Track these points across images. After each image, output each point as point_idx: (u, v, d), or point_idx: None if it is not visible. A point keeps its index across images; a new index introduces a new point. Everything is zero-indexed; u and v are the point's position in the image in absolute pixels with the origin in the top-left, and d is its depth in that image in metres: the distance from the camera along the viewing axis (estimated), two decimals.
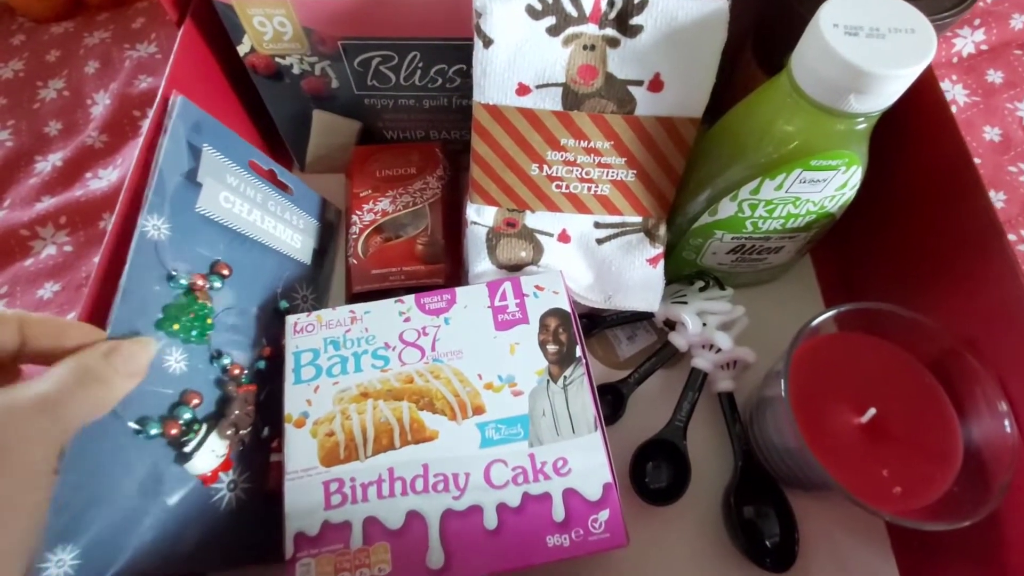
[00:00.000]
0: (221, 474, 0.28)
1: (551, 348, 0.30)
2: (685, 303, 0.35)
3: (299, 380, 0.29)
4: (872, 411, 0.28)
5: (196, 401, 0.27)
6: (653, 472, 0.34)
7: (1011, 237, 0.39)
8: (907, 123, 0.32)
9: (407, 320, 0.31)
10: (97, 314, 0.26)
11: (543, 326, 0.31)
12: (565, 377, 0.29)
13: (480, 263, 0.34)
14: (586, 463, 0.27)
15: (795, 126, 0.26)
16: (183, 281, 0.28)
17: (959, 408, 0.29)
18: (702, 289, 0.36)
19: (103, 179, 0.44)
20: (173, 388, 0.27)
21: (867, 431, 0.28)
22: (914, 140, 0.33)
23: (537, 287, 0.32)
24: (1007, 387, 0.27)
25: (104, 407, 0.22)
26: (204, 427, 0.28)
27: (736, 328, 0.35)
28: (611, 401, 0.36)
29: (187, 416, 0.27)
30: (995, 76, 0.48)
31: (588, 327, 0.38)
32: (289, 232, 0.35)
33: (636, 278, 0.35)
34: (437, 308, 0.31)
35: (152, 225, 0.27)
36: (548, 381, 0.29)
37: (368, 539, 0.26)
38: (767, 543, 0.31)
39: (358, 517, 0.26)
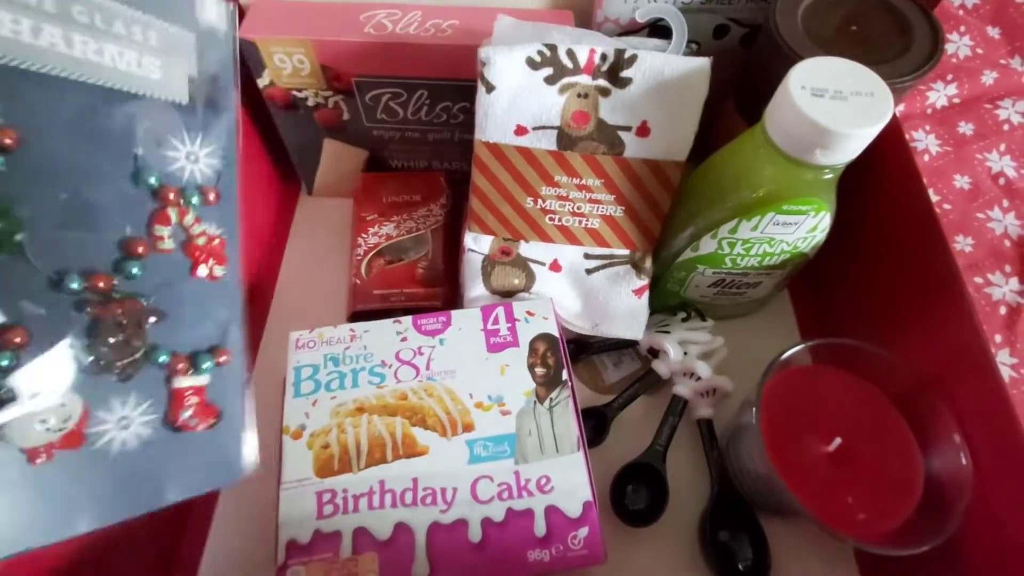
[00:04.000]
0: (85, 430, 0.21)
1: (539, 371, 0.32)
2: (668, 332, 0.37)
3: (298, 394, 0.31)
4: (838, 440, 0.29)
5: (18, 339, 0.19)
6: (633, 494, 0.35)
7: (977, 280, 0.42)
8: (874, 172, 0.34)
9: (404, 340, 0.33)
10: None
11: (532, 350, 0.33)
12: (551, 399, 0.31)
13: (475, 288, 0.36)
14: (568, 481, 0.29)
15: (768, 174, 0.29)
16: None
17: (921, 440, 0.30)
18: (684, 320, 0.38)
19: None
20: None
21: (834, 460, 0.30)
22: (880, 188, 0.35)
23: (528, 312, 0.34)
24: (963, 421, 0.29)
25: None
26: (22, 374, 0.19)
27: (715, 357, 0.37)
28: (595, 424, 0.37)
29: (3, 363, 0.19)
30: (966, 128, 0.51)
31: (576, 352, 0.40)
32: (132, 56, 0.23)
33: (622, 307, 0.37)
34: (433, 329, 0.33)
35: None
36: (535, 402, 0.31)
37: (357, 548, 0.27)
38: (740, 566, 0.33)
39: (348, 527, 0.28)
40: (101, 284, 0.22)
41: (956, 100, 0.53)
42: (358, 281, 0.38)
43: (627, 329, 0.36)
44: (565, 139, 0.32)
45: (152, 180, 0.24)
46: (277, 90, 0.37)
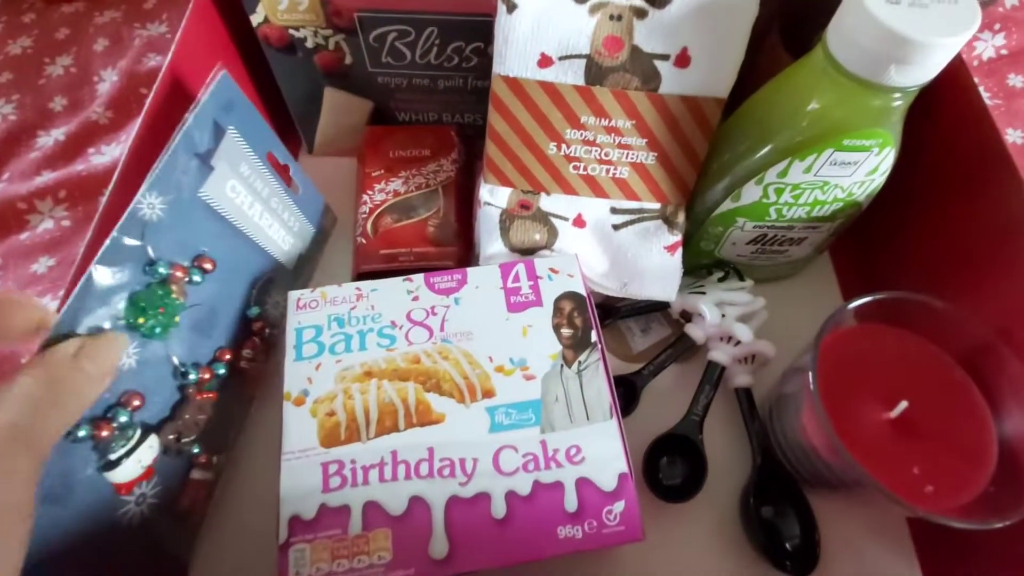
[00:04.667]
0: (136, 486, 0.26)
1: (565, 332, 0.29)
2: (703, 294, 0.34)
3: (300, 357, 0.28)
4: (904, 404, 0.26)
5: (137, 403, 0.24)
6: (667, 468, 0.32)
7: None
8: (937, 108, 0.31)
9: (415, 299, 0.30)
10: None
11: (557, 309, 0.29)
12: (580, 362, 0.28)
13: (492, 244, 0.33)
14: (601, 452, 0.26)
15: (829, 103, 0.25)
16: (162, 270, 0.25)
17: (992, 403, 0.27)
18: (721, 279, 0.35)
19: (106, 155, 0.43)
20: (115, 387, 0.24)
21: (896, 427, 0.27)
22: (941, 126, 0.32)
23: (552, 269, 0.31)
24: None
25: (75, 418, 0.20)
26: (138, 433, 0.25)
27: (755, 321, 0.34)
28: (624, 394, 0.34)
29: (123, 419, 0.24)
30: (1016, 80, 0.47)
31: (601, 317, 0.36)
32: (282, 233, 0.33)
33: (653, 266, 0.33)
34: (447, 288, 0.30)
35: (147, 203, 0.24)
36: (562, 366, 0.28)
37: (368, 525, 0.25)
38: (787, 545, 0.30)
39: (358, 501, 0.25)
40: (207, 375, 0.28)
41: (1004, 52, 0.49)
42: (363, 240, 0.35)
43: (659, 289, 0.33)
44: (594, 70, 0.28)
45: (253, 312, 0.32)
46: (272, 28, 0.34)
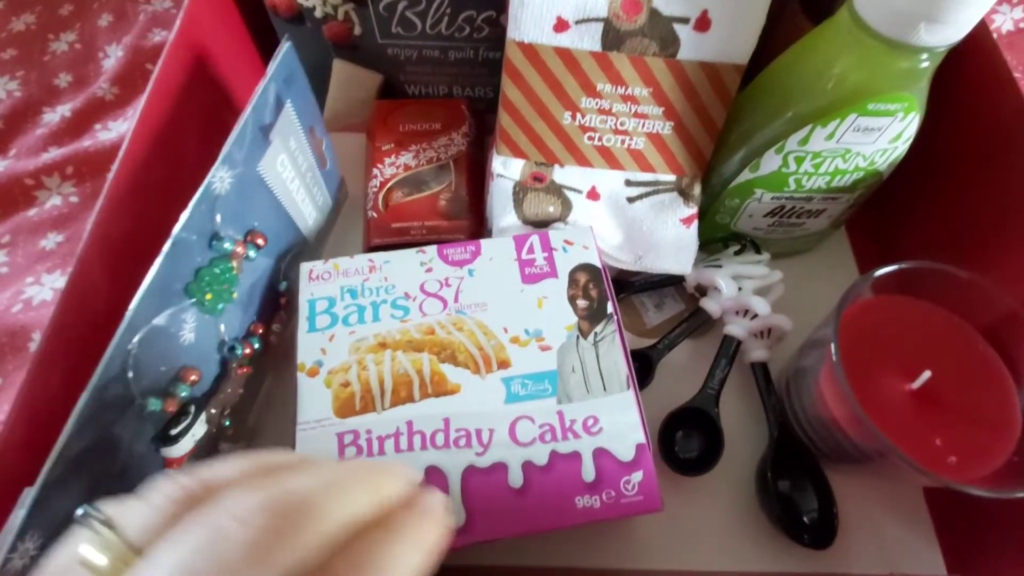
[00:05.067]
0: (185, 461, 0.25)
1: (581, 303, 0.28)
2: (719, 267, 0.34)
3: (313, 328, 0.28)
4: (927, 374, 0.26)
5: (194, 378, 0.24)
6: (683, 441, 0.32)
7: None
8: (961, 76, 0.30)
9: (429, 271, 0.29)
10: (88, 270, 0.24)
11: (572, 281, 0.29)
12: (596, 333, 0.28)
13: (506, 217, 0.32)
14: (618, 422, 0.26)
15: (854, 65, 0.25)
16: (227, 245, 0.25)
17: (1015, 374, 0.27)
18: (737, 253, 0.35)
19: (113, 131, 0.43)
20: (175, 361, 0.24)
21: (918, 398, 0.27)
22: (967, 95, 0.31)
23: (566, 241, 0.30)
24: None
25: None
26: (194, 408, 0.25)
27: (772, 294, 0.34)
28: (638, 368, 0.34)
29: (183, 394, 0.24)
30: None
31: (614, 292, 0.36)
32: (310, 208, 0.33)
33: (668, 238, 0.33)
34: (460, 259, 0.30)
35: (219, 177, 0.24)
36: (578, 337, 0.28)
37: None
38: (805, 519, 0.30)
39: None
40: (248, 350, 0.28)
41: (1023, 25, 0.48)
42: (374, 214, 0.35)
43: (674, 262, 0.33)
44: (612, 35, 0.27)
45: (283, 286, 0.31)
46: None
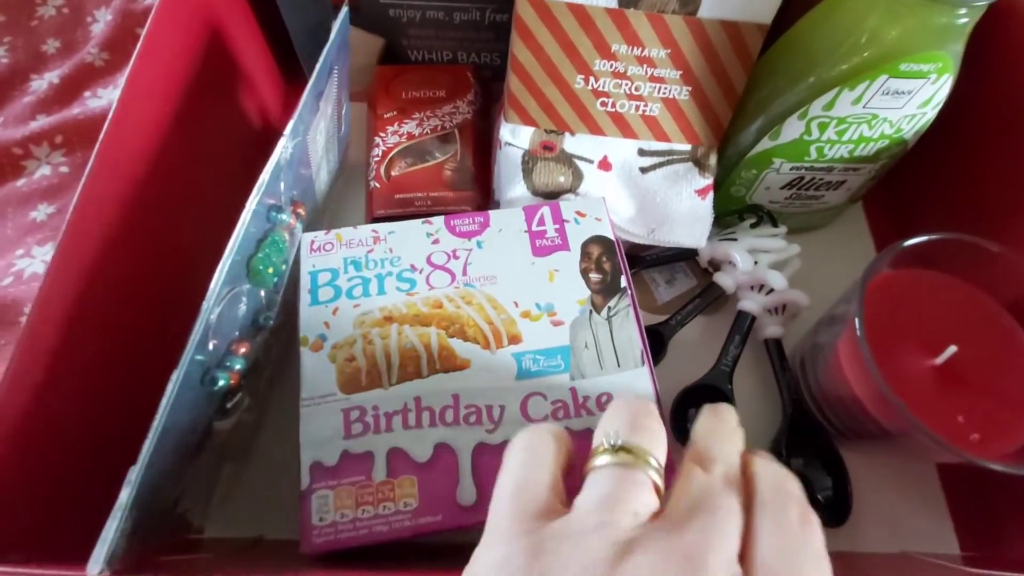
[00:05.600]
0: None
1: (594, 277, 0.27)
2: (735, 240, 0.32)
3: (316, 301, 0.27)
4: (952, 348, 0.25)
5: (244, 350, 0.24)
6: (695, 418, 0.31)
7: None
8: (998, 34, 0.29)
9: (436, 242, 0.28)
10: (78, 243, 0.23)
11: (585, 254, 0.28)
12: (609, 308, 0.27)
13: (514, 187, 0.31)
14: None
15: (886, 22, 0.23)
16: (284, 216, 0.24)
17: None
18: (753, 225, 0.33)
19: (103, 98, 0.41)
20: (229, 335, 0.23)
21: (941, 374, 0.26)
22: (1002, 55, 0.29)
23: (579, 213, 0.29)
24: None
25: None
26: (244, 381, 0.24)
27: (788, 269, 0.33)
28: (651, 344, 0.33)
29: (239, 367, 0.23)
30: None
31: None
32: (324, 173, 0.32)
33: (683, 210, 0.32)
34: (469, 231, 0.29)
35: (286, 147, 0.23)
36: (591, 311, 0.27)
37: (393, 472, 0.24)
38: (819, 497, 0.29)
39: (381, 448, 0.24)
40: (272, 322, 0.27)
41: None
42: (377, 185, 0.34)
43: (688, 235, 0.32)
44: None
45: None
46: None
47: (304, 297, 0.27)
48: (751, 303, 0.32)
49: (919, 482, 0.31)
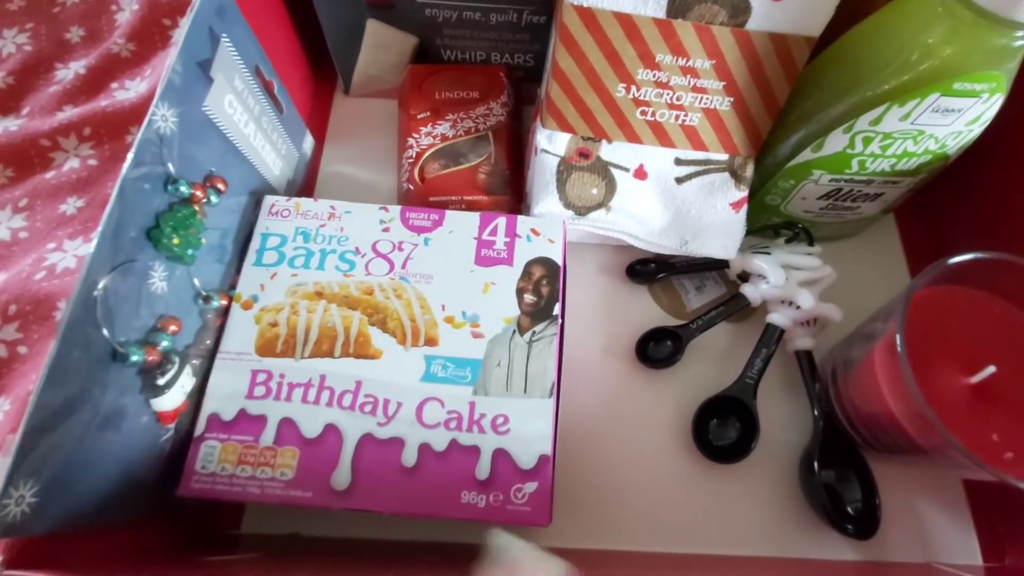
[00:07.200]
0: (179, 415, 0.25)
1: (528, 298, 0.27)
2: (768, 254, 0.32)
3: (259, 262, 0.28)
4: (991, 368, 0.25)
5: (174, 328, 0.24)
6: (717, 428, 0.32)
7: None
8: None
9: (386, 230, 0.29)
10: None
11: (527, 273, 0.28)
12: (534, 332, 0.27)
13: (545, 201, 0.31)
14: (528, 429, 0.25)
15: (943, 39, 0.23)
16: (183, 189, 0.24)
17: None
18: (788, 241, 0.33)
19: (130, 90, 0.41)
20: (151, 312, 0.23)
21: (976, 393, 0.26)
22: None
23: (533, 231, 0.29)
24: None
25: None
26: (178, 359, 0.24)
27: (819, 286, 0.32)
28: (670, 346, 0.33)
29: (165, 344, 0.23)
30: None
31: (655, 271, 0.35)
32: (273, 156, 0.31)
33: (717, 223, 0.32)
34: (421, 226, 0.29)
35: (161, 115, 0.23)
36: (514, 332, 0.27)
37: (279, 439, 0.25)
38: (849, 509, 0.29)
39: (276, 414, 0.25)
40: (225, 302, 0.27)
41: None
42: (411, 187, 0.33)
43: (720, 247, 0.32)
44: (679, 0, 0.26)
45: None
46: None
47: (250, 256, 0.28)
48: (781, 316, 0.32)
49: (945, 494, 0.31)
